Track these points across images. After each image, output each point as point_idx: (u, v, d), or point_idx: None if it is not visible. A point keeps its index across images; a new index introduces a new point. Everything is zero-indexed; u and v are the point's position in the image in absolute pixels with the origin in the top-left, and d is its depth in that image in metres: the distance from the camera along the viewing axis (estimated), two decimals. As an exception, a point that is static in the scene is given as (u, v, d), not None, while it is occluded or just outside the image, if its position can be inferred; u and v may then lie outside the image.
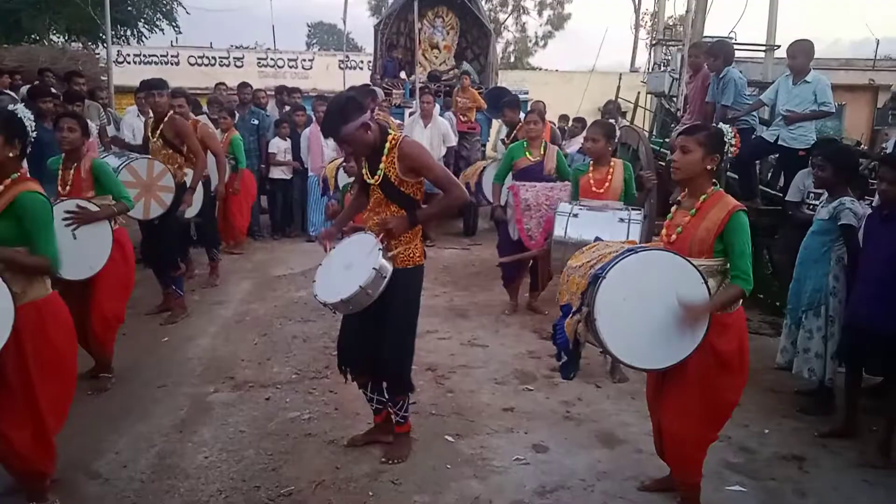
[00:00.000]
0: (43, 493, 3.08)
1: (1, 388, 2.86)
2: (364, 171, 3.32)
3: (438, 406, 4.22)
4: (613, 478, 3.46)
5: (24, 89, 8.08)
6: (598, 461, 3.62)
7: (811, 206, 5.19)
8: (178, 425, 3.94)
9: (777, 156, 6.74)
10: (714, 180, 3.01)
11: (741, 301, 2.95)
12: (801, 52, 5.95)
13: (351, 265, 3.20)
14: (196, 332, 5.52)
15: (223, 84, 10.53)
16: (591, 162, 5.08)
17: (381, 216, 3.27)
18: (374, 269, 3.07)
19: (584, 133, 9.43)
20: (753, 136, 6.49)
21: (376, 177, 3.23)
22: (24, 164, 3.17)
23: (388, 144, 3.21)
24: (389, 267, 3.15)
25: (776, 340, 4.74)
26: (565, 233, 4.80)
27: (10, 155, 2.92)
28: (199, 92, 11.02)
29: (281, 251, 8.59)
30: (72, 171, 4.31)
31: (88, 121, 4.82)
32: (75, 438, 3.55)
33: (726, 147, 3.02)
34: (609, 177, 4.97)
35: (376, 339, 3.34)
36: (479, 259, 8.46)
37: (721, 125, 3.11)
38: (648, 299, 2.74)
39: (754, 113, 6.63)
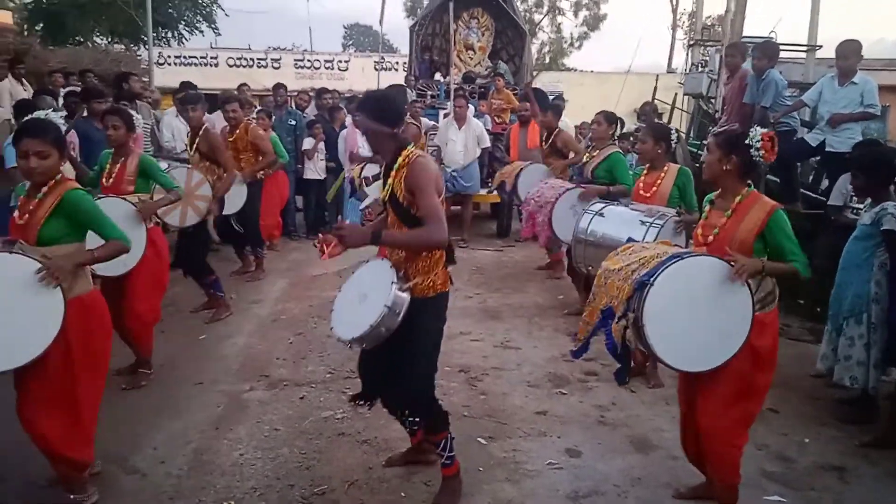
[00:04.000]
0: (83, 486, 3.15)
1: (41, 379, 2.93)
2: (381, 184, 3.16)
3: (471, 408, 4.22)
4: (648, 484, 3.42)
5: (68, 90, 8.27)
6: (632, 467, 3.58)
7: (854, 211, 5.09)
8: (214, 422, 4.00)
9: (819, 158, 6.61)
10: (749, 182, 3.04)
11: (776, 301, 2.98)
12: (853, 53, 5.81)
13: (366, 297, 3.01)
14: (232, 331, 5.60)
15: (246, 85, 10.70)
16: (647, 167, 4.97)
17: (341, 226, 3.04)
18: (385, 306, 2.85)
19: (622, 131, 9.46)
20: (795, 139, 6.38)
21: (385, 191, 3.05)
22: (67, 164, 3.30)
23: (400, 160, 2.99)
24: (405, 299, 2.91)
25: (817, 347, 4.65)
26: (587, 230, 4.76)
27: (62, 164, 3.09)
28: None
29: (316, 251, 8.64)
30: (117, 166, 4.50)
31: (135, 113, 4.93)
32: (114, 433, 3.63)
33: (752, 151, 2.97)
34: (658, 181, 4.78)
35: (395, 371, 3.09)
36: (512, 261, 8.44)
37: (752, 130, 3.05)
38: (694, 304, 2.80)
39: (795, 115, 6.51)
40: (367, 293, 3.01)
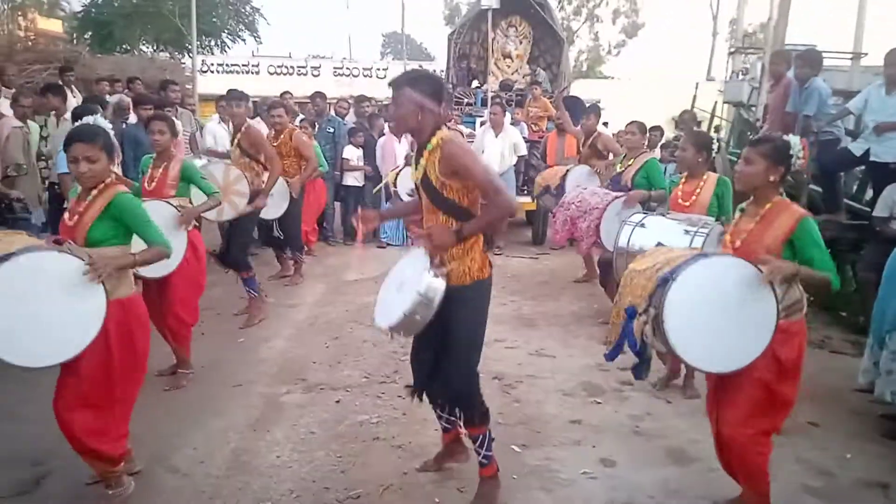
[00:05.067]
0: (119, 479, 3.20)
1: (80, 377, 2.97)
2: (412, 166, 3.14)
3: (505, 415, 4.22)
4: (684, 496, 3.38)
5: (113, 98, 8.50)
6: (668, 478, 3.54)
7: (900, 222, 4.98)
8: (252, 424, 4.07)
9: (863, 168, 6.48)
10: (781, 190, 3.03)
11: (804, 310, 2.95)
12: None
13: (402, 286, 3.01)
14: (270, 334, 5.68)
15: (288, 93, 10.88)
16: (684, 175, 4.92)
17: (429, 225, 3.04)
18: (417, 292, 2.85)
19: (662, 141, 9.39)
20: (839, 148, 6.26)
21: (417, 172, 3.02)
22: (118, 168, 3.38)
23: (434, 141, 2.94)
24: (439, 287, 2.89)
25: (859, 360, 4.55)
26: (629, 242, 4.71)
27: (112, 168, 3.19)
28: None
29: (353, 256, 8.76)
30: (160, 170, 4.61)
31: (175, 119, 5.07)
32: (155, 433, 3.71)
33: (793, 160, 2.97)
34: (698, 190, 4.71)
35: (438, 363, 3.11)
36: (547, 269, 8.42)
37: (790, 137, 3.03)
38: (716, 304, 2.79)
39: (839, 123, 6.39)
40: (404, 282, 3.03)
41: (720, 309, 2.78)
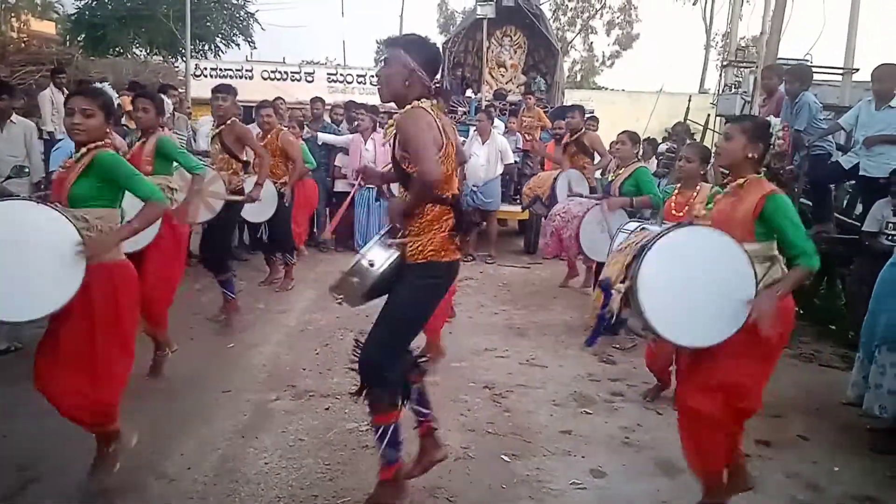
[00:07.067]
0: (115, 436, 3.21)
1: (63, 342, 2.95)
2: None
3: (495, 425, 4.21)
4: (673, 508, 3.38)
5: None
6: (658, 490, 3.54)
7: (889, 237, 5.02)
8: (240, 430, 4.04)
9: (853, 182, 6.53)
10: (760, 170, 3.02)
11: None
12: (889, 77, 5.73)
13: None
14: (260, 340, 5.65)
15: (281, 98, 10.87)
16: (678, 185, 4.97)
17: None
18: (360, 255, 2.92)
19: (654, 154, 9.44)
20: (829, 162, 6.31)
21: (388, 140, 2.94)
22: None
23: (407, 108, 2.84)
24: (385, 257, 2.89)
25: (848, 374, 4.57)
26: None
27: (107, 130, 3.16)
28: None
29: (343, 262, 8.67)
30: (136, 146, 4.53)
31: (163, 97, 5.00)
32: (144, 437, 3.67)
33: (772, 139, 3.00)
34: (692, 201, 4.75)
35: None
36: (539, 278, 8.42)
37: (771, 118, 3.06)
38: (693, 276, 2.74)
39: (830, 138, 6.44)
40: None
41: (696, 281, 2.72)
